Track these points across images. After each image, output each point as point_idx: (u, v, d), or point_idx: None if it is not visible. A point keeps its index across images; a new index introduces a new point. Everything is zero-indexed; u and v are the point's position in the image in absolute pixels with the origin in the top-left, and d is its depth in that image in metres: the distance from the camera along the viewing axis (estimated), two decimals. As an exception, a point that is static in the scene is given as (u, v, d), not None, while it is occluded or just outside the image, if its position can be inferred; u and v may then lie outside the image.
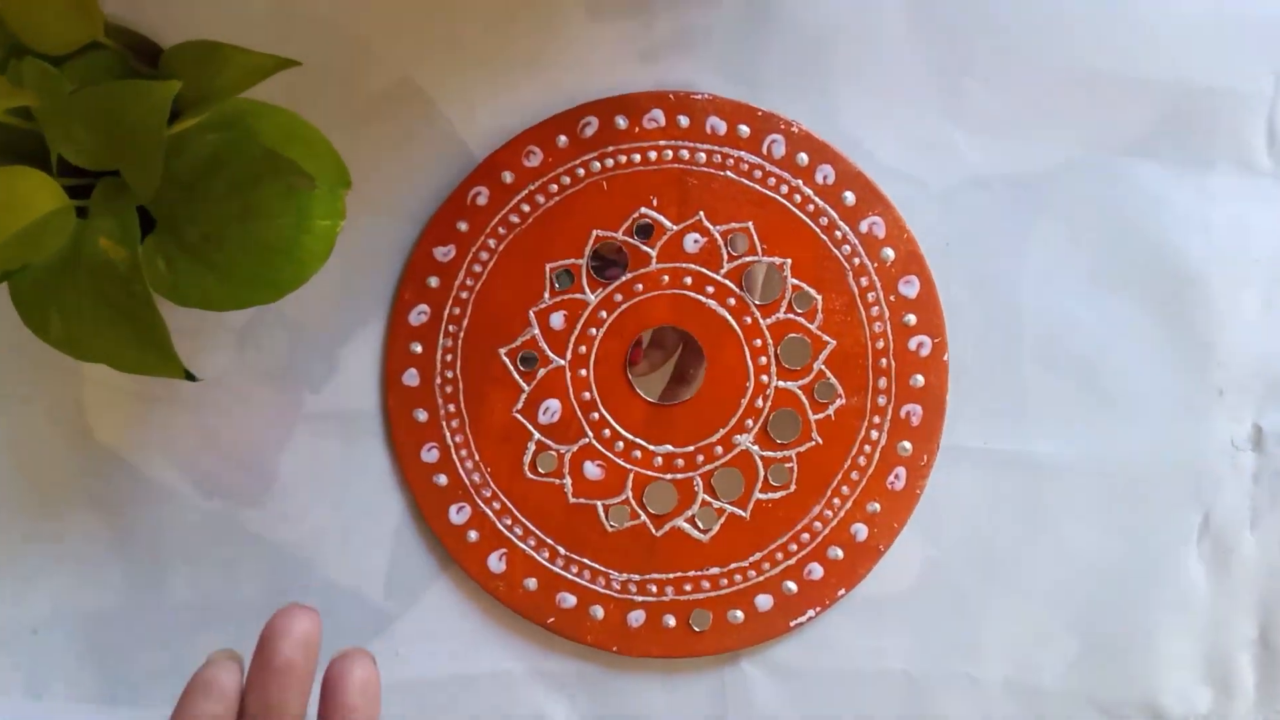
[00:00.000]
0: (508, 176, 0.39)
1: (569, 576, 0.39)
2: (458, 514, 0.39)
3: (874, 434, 0.39)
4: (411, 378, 0.39)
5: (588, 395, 0.39)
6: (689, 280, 0.39)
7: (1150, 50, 0.39)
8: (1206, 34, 0.39)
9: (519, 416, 0.39)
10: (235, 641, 0.39)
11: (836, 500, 0.39)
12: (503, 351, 0.39)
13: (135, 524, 0.39)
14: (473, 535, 0.39)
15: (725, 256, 0.39)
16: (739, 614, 0.39)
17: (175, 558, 0.39)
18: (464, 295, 0.39)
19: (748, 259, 0.39)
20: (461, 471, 0.39)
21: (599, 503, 0.39)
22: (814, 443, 0.39)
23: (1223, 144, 0.39)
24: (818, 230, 0.39)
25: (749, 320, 0.39)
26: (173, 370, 0.31)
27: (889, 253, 0.39)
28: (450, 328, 0.39)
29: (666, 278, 0.39)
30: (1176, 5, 0.39)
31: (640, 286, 0.39)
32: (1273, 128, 0.39)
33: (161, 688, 0.39)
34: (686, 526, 0.39)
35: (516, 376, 0.39)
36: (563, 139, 0.39)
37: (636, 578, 0.39)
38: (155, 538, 0.39)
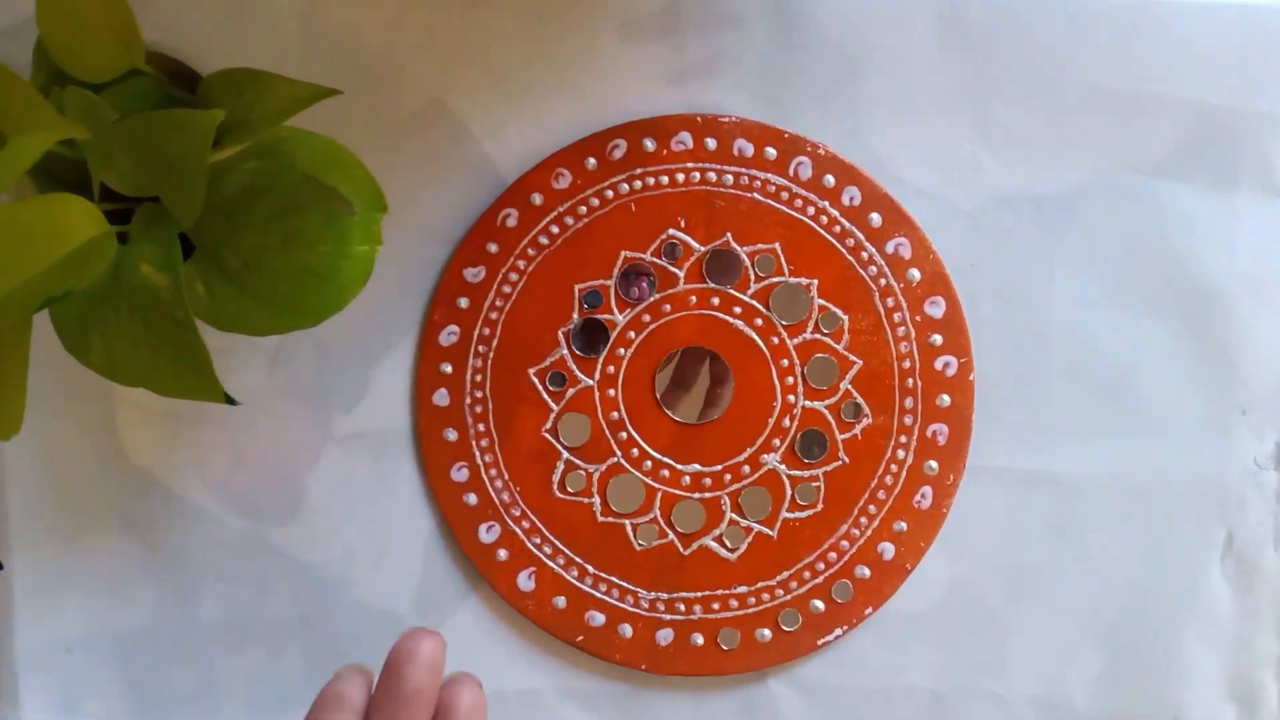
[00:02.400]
0: (537, 198, 0.39)
1: (598, 595, 0.39)
2: (487, 533, 0.39)
3: (900, 453, 0.39)
4: (441, 397, 0.39)
5: (616, 415, 0.39)
6: (716, 301, 0.39)
7: (1175, 71, 0.39)
8: (1231, 56, 0.39)
9: (548, 436, 0.39)
10: (267, 661, 0.39)
11: (863, 519, 0.39)
12: (532, 371, 0.39)
13: (167, 543, 0.39)
14: (502, 554, 0.39)
15: (753, 277, 0.39)
16: (766, 632, 0.39)
17: (207, 577, 0.39)
18: (493, 316, 0.39)
19: (775, 280, 0.39)
20: (491, 490, 0.39)
21: (627, 521, 0.39)
22: (841, 462, 0.39)
23: (1246, 165, 0.40)
24: (844, 251, 0.39)
25: (776, 340, 0.39)
26: (214, 394, 0.31)
27: (915, 273, 0.39)
28: (480, 348, 0.39)
29: (694, 298, 0.39)
30: (1201, 27, 0.39)
31: (668, 307, 0.39)
32: (1296, 150, 0.39)
33: (193, 707, 0.40)
34: (714, 545, 0.39)
35: (545, 396, 0.39)
36: (591, 161, 0.39)
37: (665, 596, 0.39)
38: (187, 557, 0.39)
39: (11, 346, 0.31)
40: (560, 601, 0.39)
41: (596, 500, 0.39)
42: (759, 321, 0.39)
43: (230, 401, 0.31)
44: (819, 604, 0.39)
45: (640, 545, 0.39)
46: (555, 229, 0.39)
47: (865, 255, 0.39)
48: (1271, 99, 0.39)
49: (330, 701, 0.30)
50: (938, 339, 0.39)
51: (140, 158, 0.30)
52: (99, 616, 0.39)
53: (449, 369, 0.39)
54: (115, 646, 0.40)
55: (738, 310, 0.39)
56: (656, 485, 0.39)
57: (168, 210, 0.31)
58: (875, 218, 0.39)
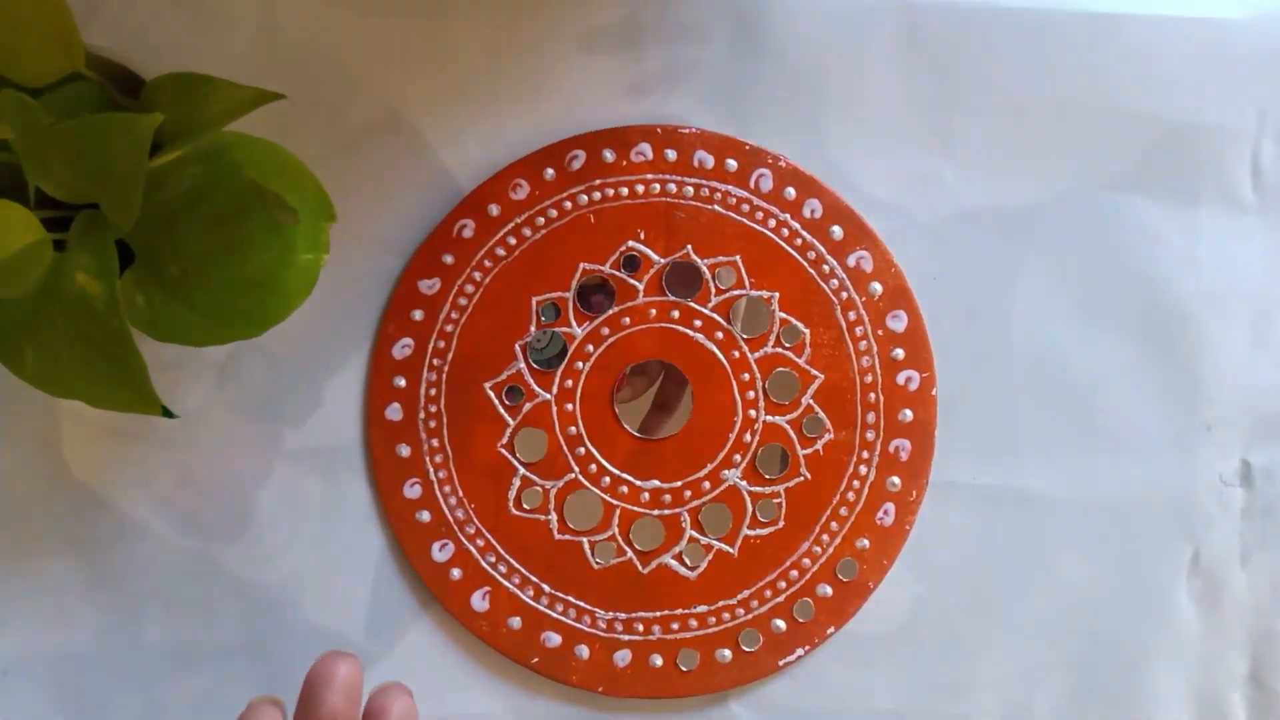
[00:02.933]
0: (494, 209, 0.38)
1: (554, 615, 0.38)
2: (440, 551, 0.38)
3: (863, 469, 0.39)
4: (395, 412, 0.38)
5: (574, 429, 0.39)
6: (676, 314, 0.39)
7: (1137, 86, 0.39)
8: (1193, 70, 0.39)
9: (504, 451, 0.38)
10: (214, 685, 0.38)
11: (825, 536, 0.39)
12: (488, 385, 0.38)
13: (110, 563, 0.38)
14: (456, 573, 0.38)
15: (714, 290, 0.39)
16: (727, 653, 0.38)
17: (151, 597, 0.38)
18: (449, 329, 0.38)
19: (735, 293, 0.39)
20: (445, 507, 0.38)
21: (585, 539, 0.38)
22: (802, 478, 0.39)
23: (1209, 180, 0.40)
24: (805, 264, 0.39)
25: (737, 354, 0.39)
26: (150, 408, 0.30)
27: (877, 287, 0.39)
28: (435, 361, 0.38)
29: (654, 311, 0.39)
30: (1164, 42, 0.39)
31: (627, 320, 0.39)
32: (1257, 165, 0.39)
33: (135, 731, 0.38)
34: (674, 563, 0.39)
35: (502, 411, 0.38)
36: (550, 172, 0.38)
37: (623, 616, 0.38)
38: (131, 577, 0.38)
39: (-60, 356, 0.30)
40: (515, 622, 0.38)
41: (553, 517, 0.38)
42: (720, 335, 0.39)
43: (168, 414, 0.30)
44: (780, 623, 0.38)
45: (598, 564, 0.38)
46: (513, 240, 0.38)
47: (827, 268, 0.39)
48: (1234, 114, 0.39)
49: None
50: (900, 353, 0.39)
51: (77, 162, 0.29)
52: (38, 638, 0.38)
53: (402, 383, 0.38)
54: (55, 670, 0.38)
55: (698, 324, 0.39)
56: (615, 502, 0.39)
57: (105, 217, 0.30)
58: (837, 230, 0.39)
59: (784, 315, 0.39)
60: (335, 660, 0.29)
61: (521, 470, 0.38)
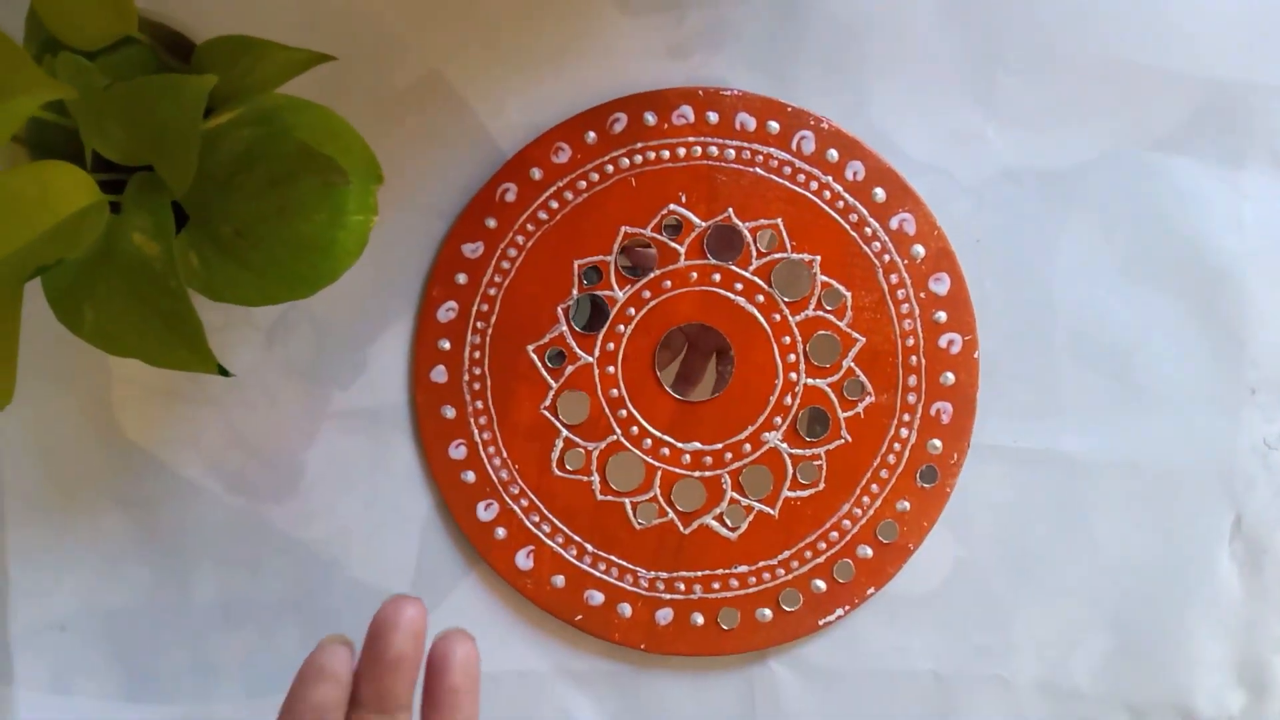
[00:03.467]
0: (536, 173, 0.39)
1: (597, 574, 0.39)
2: (485, 511, 0.39)
3: (904, 432, 0.39)
4: (440, 374, 0.39)
5: (615, 392, 0.39)
6: (717, 277, 0.39)
7: (1184, 45, 0.39)
8: (1241, 30, 0.38)
9: (546, 413, 0.39)
10: (262, 640, 0.39)
11: (866, 498, 0.39)
12: (530, 348, 0.39)
13: (162, 521, 0.39)
14: (500, 532, 0.39)
15: (755, 253, 0.39)
16: (767, 612, 0.39)
17: (202, 555, 0.39)
18: (492, 292, 0.39)
19: (777, 255, 0.39)
20: (489, 468, 0.39)
21: (627, 500, 0.39)
22: (843, 440, 0.39)
23: (1255, 140, 0.39)
24: (847, 227, 0.39)
25: (778, 317, 0.39)
26: (206, 365, 0.30)
27: (919, 249, 0.39)
28: (478, 324, 0.39)
29: (695, 274, 0.39)
30: (1210, 1, 0.38)
31: (668, 283, 0.39)
32: (1308, 124, 0.39)
33: (186, 686, 0.39)
34: (715, 524, 0.39)
35: (544, 373, 0.39)
36: (591, 135, 0.38)
37: (664, 575, 0.39)
38: (182, 535, 0.39)
39: (2, 315, 0.30)
40: (559, 580, 0.39)
41: (596, 479, 0.39)
42: (760, 298, 0.39)
43: (223, 373, 0.31)
44: (820, 584, 0.39)
45: (640, 524, 0.39)
46: (555, 204, 0.39)
47: (869, 231, 0.39)
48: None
49: (313, 674, 0.29)
50: (942, 316, 0.39)
51: (132, 125, 0.30)
52: (93, 595, 0.39)
53: (447, 345, 0.39)
54: (109, 625, 0.39)
55: (739, 287, 0.39)
56: (656, 464, 0.39)
57: (160, 179, 0.30)
58: (879, 193, 0.39)
59: (825, 278, 0.39)
60: (401, 604, 0.30)
61: (564, 432, 0.39)
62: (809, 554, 0.39)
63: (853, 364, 0.39)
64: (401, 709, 0.30)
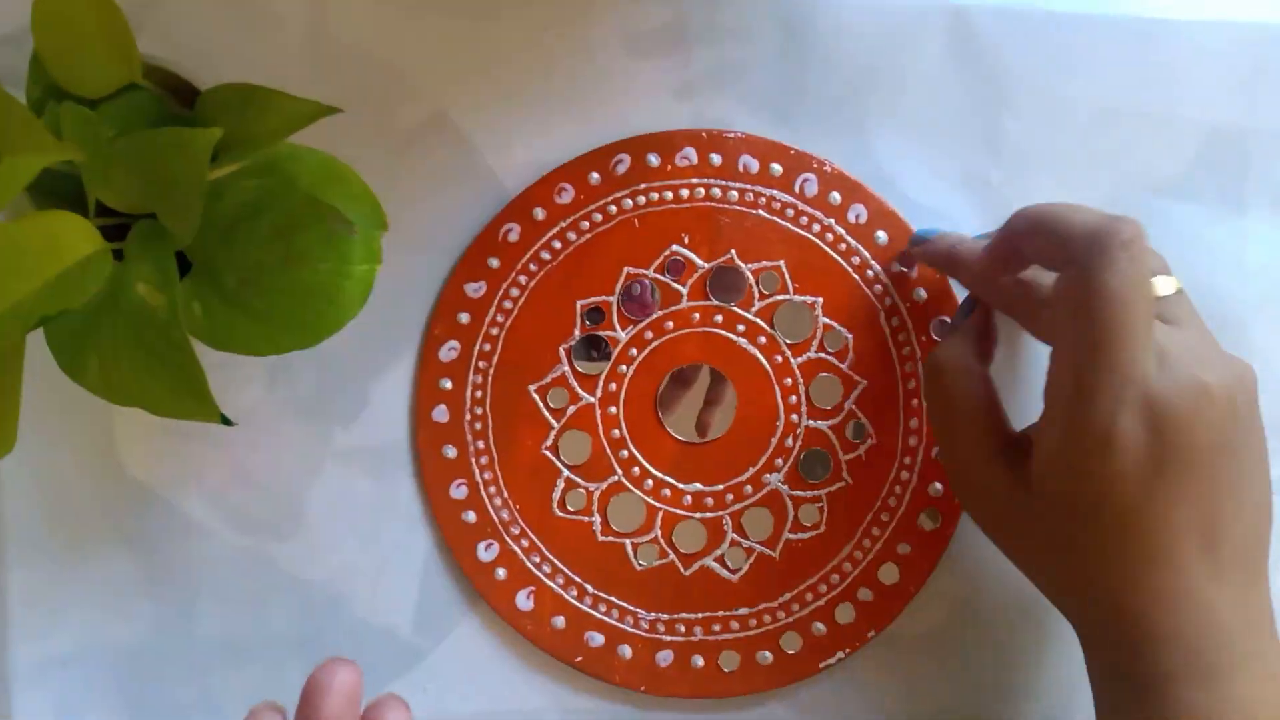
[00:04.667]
0: (539, 213, 0.39)
1: (597, 615, 0.39)
2: (486, 551, 0.39)
3: (905, 474, 0.39)
4: (441, 414, 0.39)
5: (617, 433, 0.39)
6: (719, 318, 0.39)
7: (1186, 90, 0.39)
8: (1242, 75, 0.39)
9: (548, 453, 0.39)
10: (265, 677, 0.39)
11: (867, 541, 0.39)
12: (533, 388, 0.39)
13: (165, 559, 0.39)
14: (501, 573, 0.39)
15: (757, 295, 0.39)
16: (768, 655, 0.39)
17: (205, 593, 0.39)
18: (494, 331, 0.39)
19: (779, 298, 0.39)
20: (490, 508, 0.39)
21: (628, 541, 0.39)
22: (844, 483, 0.39)
23: (1256, 185, 0.39)
24: (849, 269, 0.39)
25: (780, 359, 0.39)
26: (210, 415, 0.30)
27: (921, 292, 0.39)
28: (480, 364, 0.39)
29: (697, 315, 0.39)
30: (1212, 46, 0.39)
31: (671, 324, 0.39)
32: (1310, 171, 0.39)
33: (189, 721, 0.39)
34: (715, 566, 0.39)
35: (546, 413, 0.39)
36: (595, 176, 0.39)
37: (665, 617, 0.39)
38: (185, 573, 0.39)
39: (5, 365, 0.31)
40: (559, 621, 0.39)
41: (597, 519, 0.39)
42: (762, 340, 0.39)
43: (226, 422, 0.31)
44: (821, 626, 0.39)
45: (641, 565, 0.39)
46: (558, 244, 0.39)
47: (871, 274, 0.39)
48: (1284, 119, 0.39)
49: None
50: (944, 359, 0.39)
51: (137, 175, 0.30)
52: (96, 631, 0.39)
53: (449, 385, 0.39)
54: (112, 661, 0.39)
55: (741, 328, 0.39)
56: (658, 504, 0.39)
57: (165, 228, 0.30)
58: (882, 236, 0.39)
59: (827, 320, 0.39)
60: (335, 667, 0.30)
61: (565, 472, 0.39)
62: (810, 596, 0.39)
63: (854, 406, 0.39)
64: None
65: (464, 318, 0.39)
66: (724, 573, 0.39)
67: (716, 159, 0.39)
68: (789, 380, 0.39)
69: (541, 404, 0.39)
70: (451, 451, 0.39)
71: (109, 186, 0.30)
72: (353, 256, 0.31)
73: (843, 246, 0.39)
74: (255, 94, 0.31)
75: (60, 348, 0.31)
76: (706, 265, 0.39)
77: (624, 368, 0.39)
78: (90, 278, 0.30)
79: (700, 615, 0.39)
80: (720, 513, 0.39)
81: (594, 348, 0.39)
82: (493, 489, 0.39)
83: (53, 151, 0.27)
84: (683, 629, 0.39)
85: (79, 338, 0.31)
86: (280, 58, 0.38)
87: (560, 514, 0.39)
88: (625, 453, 0.39)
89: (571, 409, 0.39)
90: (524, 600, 0.39)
